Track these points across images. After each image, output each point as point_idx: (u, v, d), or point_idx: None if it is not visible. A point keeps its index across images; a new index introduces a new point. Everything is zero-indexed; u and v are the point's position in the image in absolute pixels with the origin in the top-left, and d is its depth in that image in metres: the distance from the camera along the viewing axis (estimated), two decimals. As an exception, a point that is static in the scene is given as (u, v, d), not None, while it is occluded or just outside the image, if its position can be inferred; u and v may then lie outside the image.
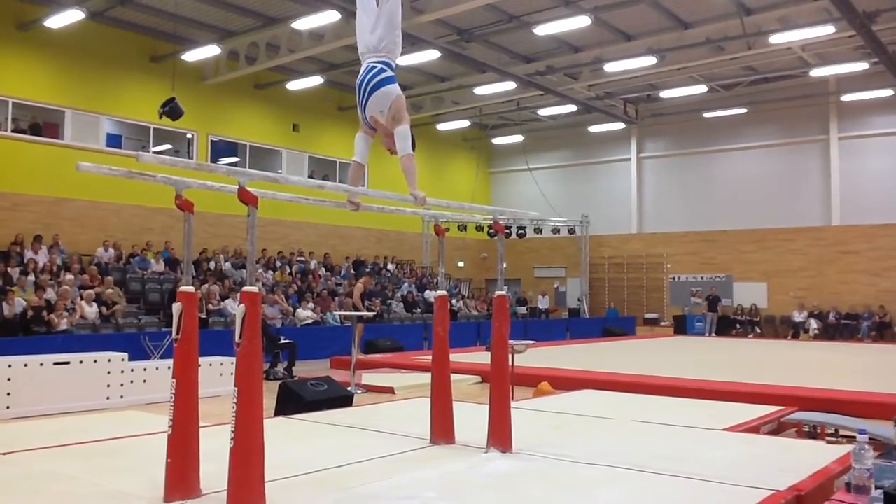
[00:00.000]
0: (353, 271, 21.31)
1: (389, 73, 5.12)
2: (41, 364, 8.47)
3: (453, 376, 6.21)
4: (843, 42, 18.94)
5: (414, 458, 5.46)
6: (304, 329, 15.91)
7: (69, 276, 14.35)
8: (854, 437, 3.82)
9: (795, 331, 22.70)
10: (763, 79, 23.04)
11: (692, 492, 4.52)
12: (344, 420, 7.02)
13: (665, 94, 23.89)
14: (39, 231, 15.93)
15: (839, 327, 22.30)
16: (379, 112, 5.06)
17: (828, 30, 17.02)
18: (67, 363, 8.69)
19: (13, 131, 16.73)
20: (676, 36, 18.85)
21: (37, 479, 4.72)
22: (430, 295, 21.02)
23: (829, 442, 6.73)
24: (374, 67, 5.11)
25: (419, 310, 20.48)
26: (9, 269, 13.93)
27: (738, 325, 23.90)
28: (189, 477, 4.25)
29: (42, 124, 17.38)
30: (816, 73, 21.37)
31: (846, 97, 22.64)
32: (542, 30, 17.57)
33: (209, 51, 18.18)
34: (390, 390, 10.18)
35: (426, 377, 6.57)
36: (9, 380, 8.10)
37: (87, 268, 15.44)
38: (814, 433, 7.18)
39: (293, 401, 7.75)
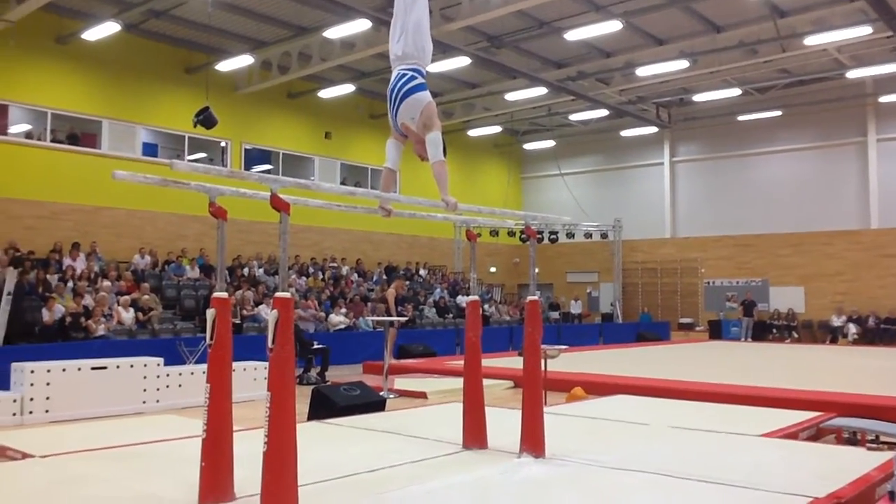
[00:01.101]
0: (384, 277, 21.38)
1: (420, 80, 5.13)
2: (79, 369, 8.61)
3: (486, 381, 6.20)
4: (880, 43, 18.61)
5: (447, 463, 5.46)
6: (337, 334, 15.99)
7: (106, 283, 14.57)
8: None
9: (834, 336, 22.30)
10: (798, 81, 22.72)
11: (728, 499, 4.46)
12: (376, 425, 7.03)
13: (698, 97, 23.65)
14: (77, 239, 16.21)
15: (879, 332, 21.86)
16: (410, 119, 5.08)
17: (864, 31, 16.73)
18: (105, 368, 8.82)
19: (52, 142, 17.05)
20: (709, 39, 18.68)
21: (74, 482, 4.79)
22: (462, 300, 21.00)
23: (869, 448, 6.60)
24: (404, 75, 5.14)
25: (451, 315, 20.47)
26: (48, 277, 14.18)
27: (774, 330, 23.55)
28: (223, 480, 4.29)
29: (80, 134, 17.69)
30: (853, 74, 21.03)
31: (884, 98, 22.26)
32: (572, 35, 17.51)
33: (242, 61, 18.37)
34: (423, 395, 10.18)
35: (459, 382, 6.56)
36: (48, 384, 8.24)
37: (124, 274, 15.68)
38: (854, 440, 7.05)
39: (326, 405, 7.79)
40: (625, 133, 26.45)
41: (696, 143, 26.55)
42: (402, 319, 13.41)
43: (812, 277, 23.75)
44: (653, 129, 25.89)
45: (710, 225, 25.71)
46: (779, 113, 23.75)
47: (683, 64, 19.25)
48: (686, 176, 26.73)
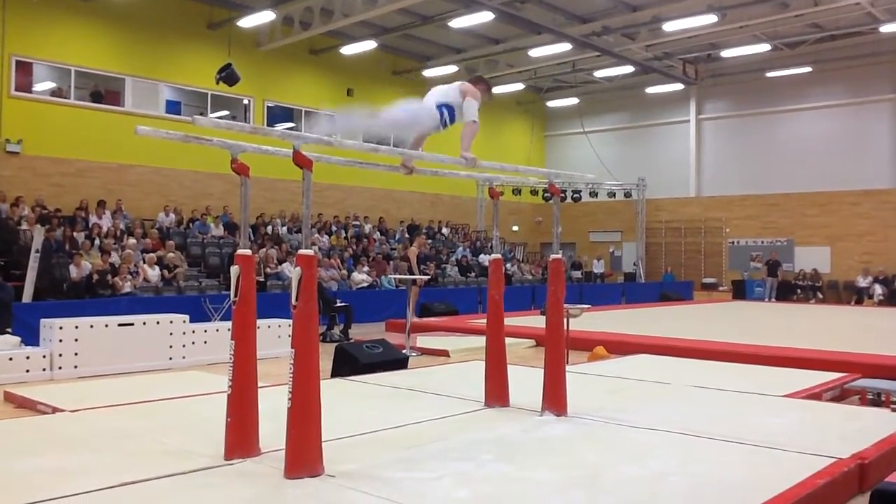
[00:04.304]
0: (407, 235, 21.40)
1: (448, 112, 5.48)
2: (106, 325, 8.73)
3: (508, 340, 6.21)
4: (917, -4, 18.11)
5: (469, 421, 5.50)
6: (360, 292, 16.07)
7: (132, 241, 14.71)
8: (922, 405, 3.71)
9: (859, 296, 22.08)
10: (829, 36, 22.17)
11: (751, 458, 4.46)
12: (399, 382, 7.09)
13: (726, 53, 23.21)
14: (103, 196, 16.35)
15: (905, 293, 21.64)
16: (453, 100, 5.43)
17: (900, -17, 16.28)
18: (131, 325, 8.94)
19: (76, 99, 17.10)
20: (739, -8, 18.26)
21: (103, 436, 4.88)
22: (484, 259, 20.99)
23: (894, 410, 6.57)
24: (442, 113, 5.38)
25: (473, 274, 20.50)
26: (75, 234, 14.34)
27: (799, 291, 23.34)
28: (248, 435, 4.35)
29: (104, 92, 17.72)
30: (886, 29, 20.47)
31: (919, 54, 21.74)
32: (598, -12, 17.17)
33: (264, 16, 18.24)
34: (445, 353, 10.23)
35: (481, 340, 6.59)
36: (76, 340, 8.37)
37: (149, 232, 15.81)
38: (878, 401, 7.00)
39: (349, 363, 7.86)
40: (650, 90, 26.05)
41: (723, 100, 26.11)
42: (425, 278, 13.41)
43: (839, 237, 23.47)
44: (679, 86, 25.49)
45: (735, 184, 25.39)
46: (809, 69, 23.26)
47: (712, 18, 18.83)
48: (712, 134, 26.36)
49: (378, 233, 21.15)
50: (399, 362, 8.37)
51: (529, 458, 4.45)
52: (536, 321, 10.99)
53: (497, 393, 5.91)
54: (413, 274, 13.81)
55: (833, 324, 14.64)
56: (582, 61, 23.64)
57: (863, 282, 22.21)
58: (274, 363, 8.10)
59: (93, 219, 15.51)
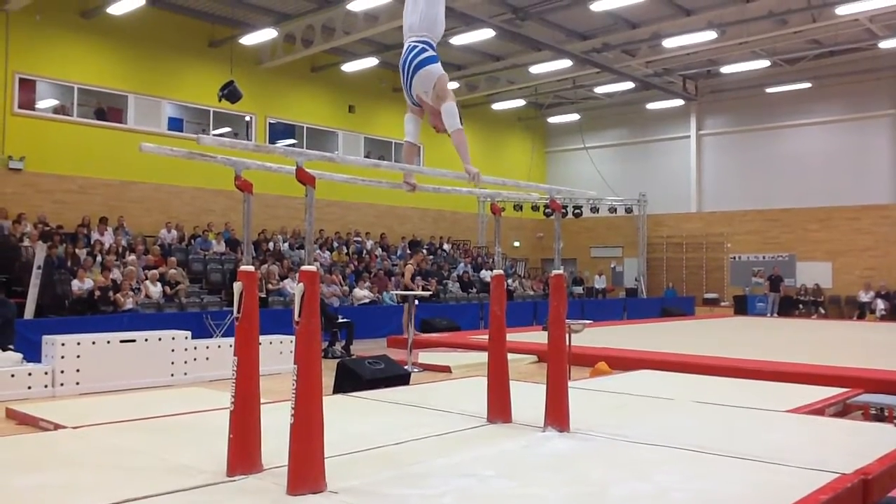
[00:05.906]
0: (408, 251, 21.41)
1: (430, 52, 5.14)
2: (108, 342, 8.73)
3: (510, 355, 6.20)
4: (915, 12, 18.20)
5: (471, 437, 5.49)
6: (361, 308, 16.06)
7: (134, 257, 14.73)
8: (925, 420, 3.70)
9: (861, 311, 22.04)
10: (828, 52, 22.28)
11: (754, 474, 4.44)
12: (401, 398, 7.08)
13: (726, 69, 23.33)
14: (105, 213, 16.39)
15: (907, 308, 21.60)
16: (423, 92, 5.12)
17: (898, -1, 16.37)
18: (133, 341, 8.94)
19: (79, 116, 17.17)
20: (738, 9, 18.33)
21: (105, 453, 4.88)
22: (485, 275, 20.99)
23: (897, 425, 6.55)
24: (415, 47, 5.14)
25: (475, 290, 20.49)
26: (77, 251, 14.36)
27: (801, 306, 23.32)
28: (251, 452, 4.34)
29: (106, 109, 17.80)
30: (886, 45, 20.59)
31: (918, 69, 21.82)
32: (598, 6, 17.28)
33: (266, 34, 18.36)
34: (447, 369, 10.22)
35: (483, 356, 6.58)
36: (78, 357, 8.37)
37: (151, 248, 15.83)
38: (881, 416, 6.99)
39: (351, 379, 7.85)
40: (650, 106, 26.17)
41: (723, 115, 26.19)
42: (426, 294, 13.38)
43: (840, 253, 23.46)
44: (679, 102, 25.59)
45: (736, 199, 25.43)
46: (808, 85, 23.35)
47: (711, 35, 18.96)
48: (713, 149, 26.41)
49: (379, 249, 21.17)
50: (401, 378, 8.35)
51: (532, 474, 4.44)
52: (538, 337, 10.97)
53: (499, 409, 5.90)
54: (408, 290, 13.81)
55: (836, 339, 14.61)
56: (582, 77, 23.76)
57: (865, 297, 22.18)
58: (276, 379, 8.08)
59: (95, 235, 15.55)
